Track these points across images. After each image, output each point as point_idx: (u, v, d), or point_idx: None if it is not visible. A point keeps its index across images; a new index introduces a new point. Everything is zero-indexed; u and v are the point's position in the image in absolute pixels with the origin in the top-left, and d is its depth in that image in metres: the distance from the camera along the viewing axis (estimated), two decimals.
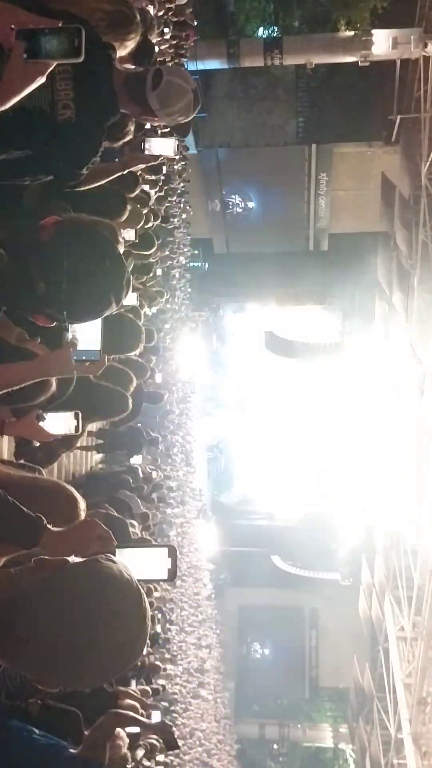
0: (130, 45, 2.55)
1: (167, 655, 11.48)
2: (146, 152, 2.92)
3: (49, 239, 1.84)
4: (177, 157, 11.20)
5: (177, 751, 8.20)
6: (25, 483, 2.07)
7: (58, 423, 2.67)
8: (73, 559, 1.41)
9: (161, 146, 2.99)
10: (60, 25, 1.52)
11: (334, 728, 29.51)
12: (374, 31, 17.49)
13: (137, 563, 1.83)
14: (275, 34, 20.04)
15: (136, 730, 4.26)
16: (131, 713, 2.30)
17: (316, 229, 23.88)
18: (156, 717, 5.38)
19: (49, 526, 1.53)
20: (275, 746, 30.44)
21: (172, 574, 1.89)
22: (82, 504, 2.09)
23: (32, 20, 1.54)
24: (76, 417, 2.67)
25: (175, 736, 4.69)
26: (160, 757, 6.66)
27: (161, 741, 5.11)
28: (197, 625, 18.12)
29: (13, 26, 1.49)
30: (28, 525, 1.50)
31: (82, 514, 2.06)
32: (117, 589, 1.38)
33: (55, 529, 1.55)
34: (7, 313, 1.97)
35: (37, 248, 1.84)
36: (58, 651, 1.33)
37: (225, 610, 27.98)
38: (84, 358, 2.13)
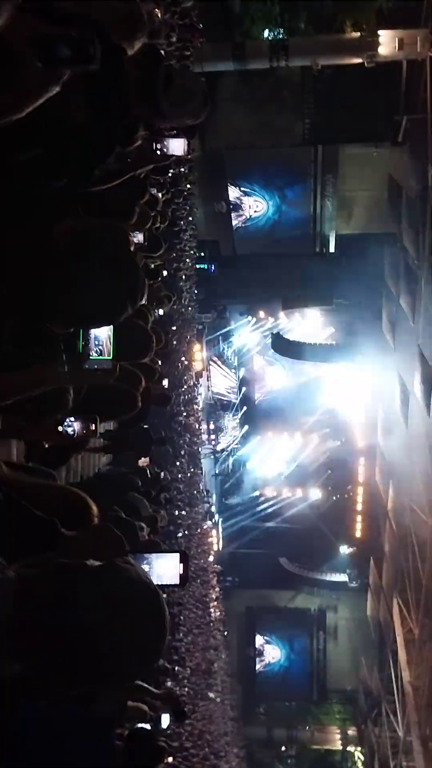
0: (137, 45, 2.55)
1: (175, 657, 11.46)
2: (158, 152, 2.94)
3: (64, 247, 1.83)
4: (188, 157, 11.19)
5: (185, 720, 8.16)
6: (39, 488, 2.08)
7: (74, 427, 2.70)
8: (91, 562, 1.41)
9: (173, 146, 3.01)
10: (74, 32, 1.51)
11: (342, 731, 29.41)
12: (380, 32, 17.48)
13: (150, 568, 1.83)
14: (281, 36, 20.05)
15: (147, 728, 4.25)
16: (139, 683, 2.33)
17: (322, 231, 23.86)
18: (165, 720, 5.35)
19: (63, 530, 1.53)
20: (283, 748, 30.35)
21: (184, 580, 1.89)
22: (94, 509, 2.09)
23: (46, 28, 1.53)
24: (94, 421, 2.71)
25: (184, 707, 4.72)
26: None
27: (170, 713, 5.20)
28: (205, 627, 18.09)
29: (26, 34, 1.48)
30: (42, 529, 1.50)
31: (95, 519, 2.06)
32: (136, 592, 1.38)
33: (69, 533, 1.55)
34: (24, 321, 1.97)
35: (51, 256, 1.83)
36: (78, 653, 1.33)
37: (232, 612, 27.92)
38: (96, 366, 2.16)
